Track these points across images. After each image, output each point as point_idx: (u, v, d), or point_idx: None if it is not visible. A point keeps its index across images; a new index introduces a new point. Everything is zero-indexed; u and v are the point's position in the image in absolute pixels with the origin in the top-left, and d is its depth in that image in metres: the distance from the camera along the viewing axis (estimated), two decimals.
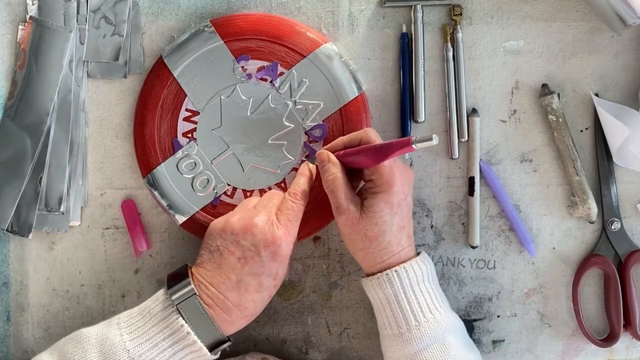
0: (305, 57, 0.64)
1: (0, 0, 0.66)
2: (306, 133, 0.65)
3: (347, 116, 0.65)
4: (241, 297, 0.57)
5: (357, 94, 0.65)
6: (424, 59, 0.67)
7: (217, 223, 0.60)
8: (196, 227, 0.66)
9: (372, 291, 0.61)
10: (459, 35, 0.67)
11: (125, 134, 0.67)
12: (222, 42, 0.64)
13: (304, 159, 0.65)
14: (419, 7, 0.66)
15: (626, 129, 0.65)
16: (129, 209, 0.67)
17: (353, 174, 0.61)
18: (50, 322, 0.68)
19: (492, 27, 0.67)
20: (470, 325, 0.69)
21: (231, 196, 0.66)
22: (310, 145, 0.65)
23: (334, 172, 0.59)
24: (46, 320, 0.68)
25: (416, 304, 0.59)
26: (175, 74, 0.64)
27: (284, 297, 0.69)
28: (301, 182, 0.61)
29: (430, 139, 0.53)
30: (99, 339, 0.56)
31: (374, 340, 0.64)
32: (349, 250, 0.62)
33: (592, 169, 0.68)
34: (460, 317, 0.62)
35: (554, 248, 0.69)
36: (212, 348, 0.57)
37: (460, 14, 0.67)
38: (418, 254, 0.62)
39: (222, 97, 0.65)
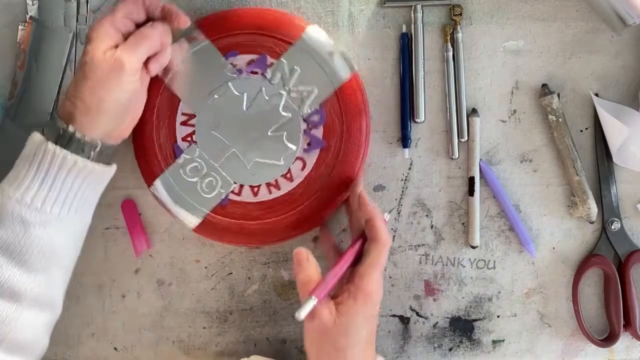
0: (292, 44, 0.64)
1: (0, 1, 0.66)
2: (305, 120, 0.65)
3: (344, 99, 0.64)
4: (78, 89, 0.56)
5: (349, 74, 0.64)
6: (424, 59, 0.67)
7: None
8: (210, 230, 0.66)
9: None
10: (459, 35, 0.67)
11: None
12: (208, 41, 0.64)
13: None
14: (419, 7, 0.66)
15: (626, 129, 0.65)
16: (129, 209, 0.67)
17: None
18: None
19: (492, 27, 0.67)
20: (470, 325, 0.69)
21: (239, 194, 0.66)
22: (310, 132, 0.65)
23: (310, 274, 0.56)
24: None
25: None
26: (166, 80, 0.64)
27: (284, 297, 0.69)
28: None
29: (298, 312, 0.53)
30: None
31: None
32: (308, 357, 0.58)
33: (592, 169, 0.68)
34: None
35: (554, 248, 0.69)
36: (71, 146, 0.56)
37: (460, 14, 0.67)
38: None
39: (216, 96, 0.65)
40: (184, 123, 0.65)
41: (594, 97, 0.67)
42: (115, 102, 0.57)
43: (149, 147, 0.65)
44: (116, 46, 0.57)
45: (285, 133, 0.65)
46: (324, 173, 0.64)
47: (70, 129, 0.56)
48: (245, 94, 0.65)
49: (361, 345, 0.56)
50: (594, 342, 0.68)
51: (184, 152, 0.65)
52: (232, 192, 0.65)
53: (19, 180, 0.55)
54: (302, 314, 0.53)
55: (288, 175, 0.65)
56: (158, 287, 0.69)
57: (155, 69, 0.60)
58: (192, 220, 0.65)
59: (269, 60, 0.64)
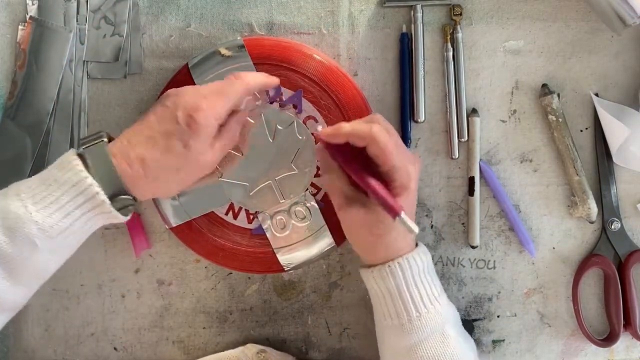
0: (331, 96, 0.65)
1: (0, 0, 0.66)
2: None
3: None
4: (146, 151, 0.54)
5: None
6: (424, 59, 0.67)
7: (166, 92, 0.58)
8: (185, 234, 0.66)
9: (372, 282, 0.59)
10: (459, 35, 0.67)
11: None
12: (251, 62, 0.64)
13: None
14: (419, 7, 0.66)
15: (626, 129, 0.65)
16: None
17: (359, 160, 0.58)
18: (50, 322, 0.68)
19: (492, 27, 0.67)
20: (470, 325, 0.69)
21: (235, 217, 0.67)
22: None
23: (330, 177, 0.58)
24: (46, 320, 0.68)
25: (417, 295, 0.58)
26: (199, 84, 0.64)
27: (284, 297, 0.69)
28: (257, 79, 0.58)
29: (412, 231, 0.53)
30: None
31: (374, 340, 0.64)
32: (348, 240, 0.61)
33: (592, 169, 0.68)
34: (460, 317, 0.62)
35: (554, 248, 0.69)
36: (115, 202, 0.54)
37: (460, 14, 0.67)
38: (416, 244, 0.61)
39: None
40: None
41: (594, 97, 0.67)
42: (183, 186, 0.58)
43: None
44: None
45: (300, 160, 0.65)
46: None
47: (124, 195, 0.54)
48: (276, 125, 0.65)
49: (399, 227, 0.55)
50: (594, 342, 0.68)
51: None
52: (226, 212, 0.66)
53: (45, 203, 0.52)
54: (415, 227, 0.53)
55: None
56: (158, 287, 0.69)
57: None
58: (172, 221, 0.65)
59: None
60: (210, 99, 0.55)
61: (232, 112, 0.58)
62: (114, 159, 0.54)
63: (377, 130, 0.55)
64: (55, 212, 0.52)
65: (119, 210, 0.54)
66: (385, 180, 0.56)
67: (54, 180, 0.53)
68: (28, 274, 0.54)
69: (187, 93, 0.55)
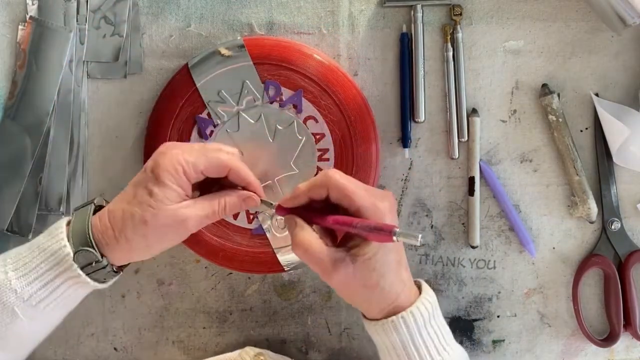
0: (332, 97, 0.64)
1: (0, 1, 0.66)
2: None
3: (355, 134, 0.65)
4: (115, 204, 0.54)
5: None
6: (424, 59, 0.67)
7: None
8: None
9: (376, 335, 0.56)
10: (459, 35, 0.67)
11: (126, 135, 0.67)
12: (251, 62, 0.64)
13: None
14: (419, 7, 0.66)
15: (626, 129, 0.65)
16: None
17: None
18: None
19: (492, 27, 0.67)
20: (470, 325, 0.69)
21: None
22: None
23: (304, 238, 0.53)
24: None
25: (424, 348, 0.55)
26: (199, 84, 0.64)
27: (284, 297, 0.69)
28: (241, 174, 0.56)
29: (415, 238, 0.49)
30: None
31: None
32: (346, 301, 0.57)
33: (592, 169, 0.68)
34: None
35: (554, 248, 0.69)
36: (91, 272, 0.53)
37: (460, 14, 0.66)
38: (418, 286, 0.58)
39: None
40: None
41: (594, 97, 0.67)
42: (162, 248, 0.56)
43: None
44: (184, 197, 0.54)
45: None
46: None
47: (104, 261, 0.53)
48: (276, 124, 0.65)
49: (392, 269, 0.53)
50: (594, 342, 0.68)
51: None
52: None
53: (25, 270, 0.52)
54: (416, 237, 0.49)
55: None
56: (158, 287, 0.69)
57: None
58: None
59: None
60: (182, 149, 0.54)
61: (226, 184, 0.57)
62: (92, 218, 0.54)
63: (332, 174, 0.53)
64: (35, 280, 0.52)
65: (83, 267, 0.53)
66: None
67: (37, 247, 0.53)
68: (12, 342, 0.53)
69: (170, 146, 0.55)
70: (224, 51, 0.64)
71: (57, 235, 0.53)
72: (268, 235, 0.66)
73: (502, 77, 0.68)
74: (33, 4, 0.65)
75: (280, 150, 0.65)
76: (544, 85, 0.67)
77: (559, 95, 0.67)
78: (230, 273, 0.69)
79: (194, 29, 0.67)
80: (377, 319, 0.55)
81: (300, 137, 0.65)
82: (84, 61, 0.66)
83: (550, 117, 0.67)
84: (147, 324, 0.69)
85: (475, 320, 0.70)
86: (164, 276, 0.69)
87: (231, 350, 0.68)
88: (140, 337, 0.69)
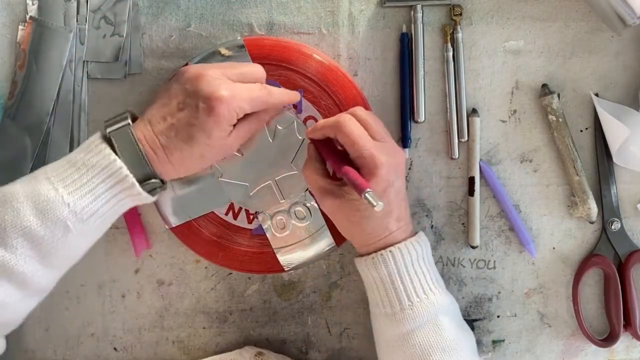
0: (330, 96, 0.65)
1: (0, 1, 0.66)
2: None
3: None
4: (169, 140, 0.55)
5: None
6: (424, 59, 0.67)
7: (185, 68, 0.58)
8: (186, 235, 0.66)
9: (365, 271, 0.60)
10: (459, 35, 0.67)
11: None
12: (251, 62, 0.63)
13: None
14: (419, 7, 0.66)
15: (626, 129, 0.65)
16: (129, 209, 0.67)
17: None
18: (50, 322, 0.68)
19: (492, 27, 0.67)
20: (470, 326, 0.69)
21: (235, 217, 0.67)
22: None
23: (308, 165, 0.60)
24: (46, 320, 0.68)
25: (410, 284, 0.58)
26: None
27: (284, 297, 0.69)
28: (282, 95, 0.61)
29: (376, 205, 0.53)
30: (28, 196, 0.52)
31: (373, 340, 0.64)
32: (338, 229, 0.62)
33: (592, 169, 0.68)
34: (460, 311, 0.62)
35: (554, 248, 0.69)
36: (144, 185, 0.55)
37: (460, 14, 0.67)
38: (415, 233, 0.61)
39: None
40: None
41: (594, 97, 0.67)
42: (205, 165, 0.61)
43: None
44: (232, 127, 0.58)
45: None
46: None
47: (153, 179, 0.56)
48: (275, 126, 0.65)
49: (376, 216, 0.58)
50: (594, 342, 0.68)
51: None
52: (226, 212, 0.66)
53: (76, 186, 0.53)
54: (378, 203, 0.54)
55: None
56: (158, 287, 0.69)
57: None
58: (172, 221, 0.65)
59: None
60: (234, 92, 0.56)
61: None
62: (140, 144, 0.55)
63: (343, 119, 0.58)
64: (86, 194, 0.53)
65: (148, 192, 0.56)
66: (357, 167, 0.58)
67: (82, 164, 0.54)
68: (60, 257, 0.54)
69: (207, 77, 0.56)
70: (224, 51, 0.64)
71: (102, 151, 0.54)
72: (268, 235, 0.66)
73: (502, 77, 0.68)
74: (33, 4, 0.65)
75: (280, 150, 0.65)
76: (544, 86, 0.67)
77: (559, 95, 0.67)
78: (230, 273, 0.69)
79: (194, 29, 0.67)
80: (367, 254, 0.59)
81: (300, 137, 0.65)
82: (84, 61, 0.66)
83: (550, 117, 0.67)
84: (147, 324, 0.69)
85: (475, 320, 0.70)
86: (164, 276, 0.69)
87: (231, 351, 0.68)
88: (140, 337, 0.69)
